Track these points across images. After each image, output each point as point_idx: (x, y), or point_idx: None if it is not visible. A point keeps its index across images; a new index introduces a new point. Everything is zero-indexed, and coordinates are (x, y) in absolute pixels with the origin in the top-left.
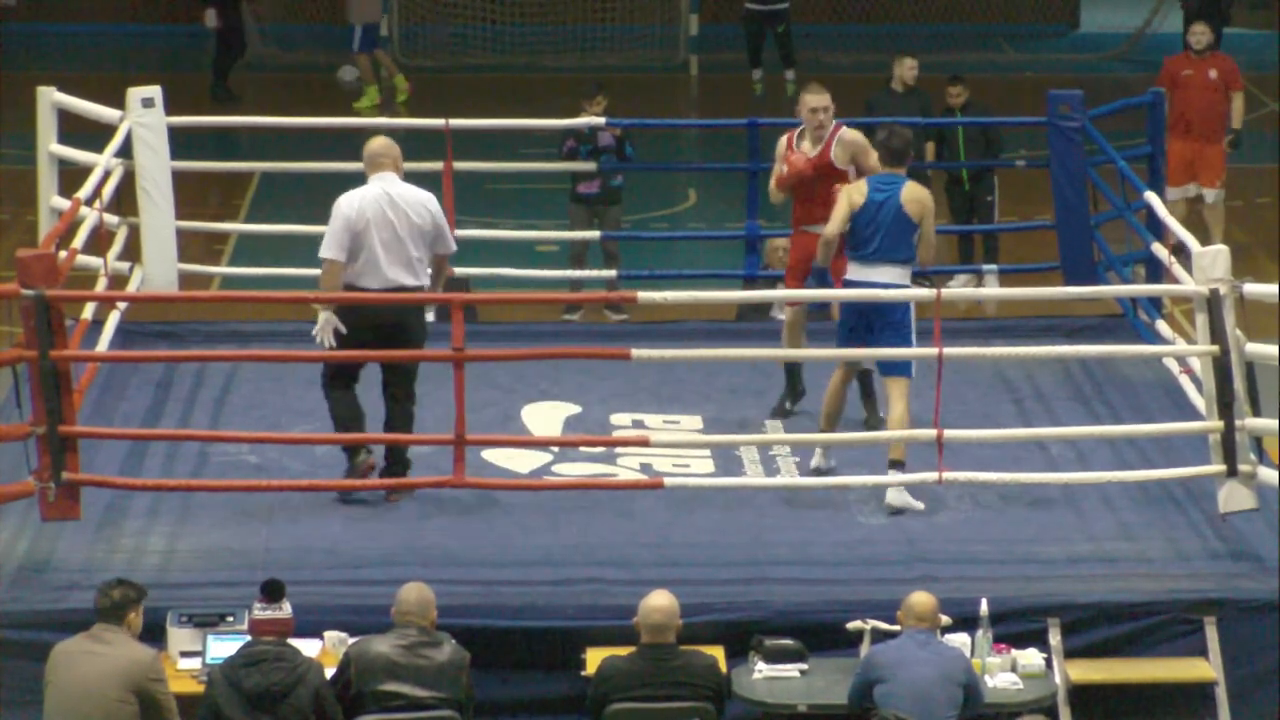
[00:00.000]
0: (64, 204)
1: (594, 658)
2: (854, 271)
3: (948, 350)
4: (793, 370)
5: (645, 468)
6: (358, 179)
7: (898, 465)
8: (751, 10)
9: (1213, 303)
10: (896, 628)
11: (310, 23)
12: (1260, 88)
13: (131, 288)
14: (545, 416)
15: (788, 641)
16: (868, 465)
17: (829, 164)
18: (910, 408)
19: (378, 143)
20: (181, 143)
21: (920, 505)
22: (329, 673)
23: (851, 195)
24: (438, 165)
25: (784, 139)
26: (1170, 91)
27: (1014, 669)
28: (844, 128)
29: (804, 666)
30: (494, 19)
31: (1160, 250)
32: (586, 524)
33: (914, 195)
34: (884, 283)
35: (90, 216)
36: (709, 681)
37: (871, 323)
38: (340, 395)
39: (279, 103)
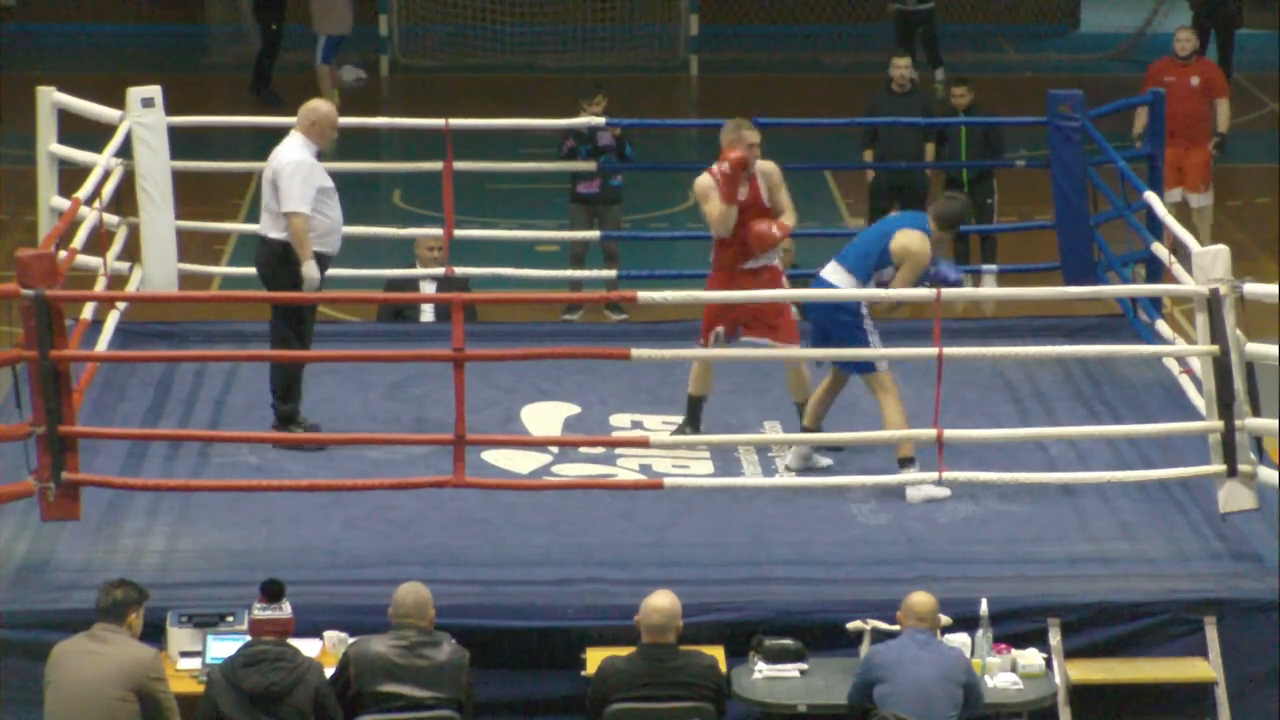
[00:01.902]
0: (64, 204)
1: (594, 658)
2: (824, 271)
3: (948, 350)
4: (697, 405)
5: (645, 468)
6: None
7: (909, 462)
8: (899, 10)
9: (1213, 303)
10: (896, 628)
11: (310, 23)
12: (1260, 88)
13: (131, 288)
14: (545, 417)
15: (788, 641)
16: (866, 465)
17: (760, 199)
18: (907, 404)
19: (303, 106)
20: (182, 143)
21: (946, 492)
22: (329, 673)
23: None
24: (438, 165)
25: (705, 177)
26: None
27: (1014, 669)
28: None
29: (804, 666)
30: (494, 19)
31: (1160, 250)
32: (586, 524)
33: (903, 242)
34: (834, 282)
35: (90, 216)
36: (709, 682)
37: (827, 326)
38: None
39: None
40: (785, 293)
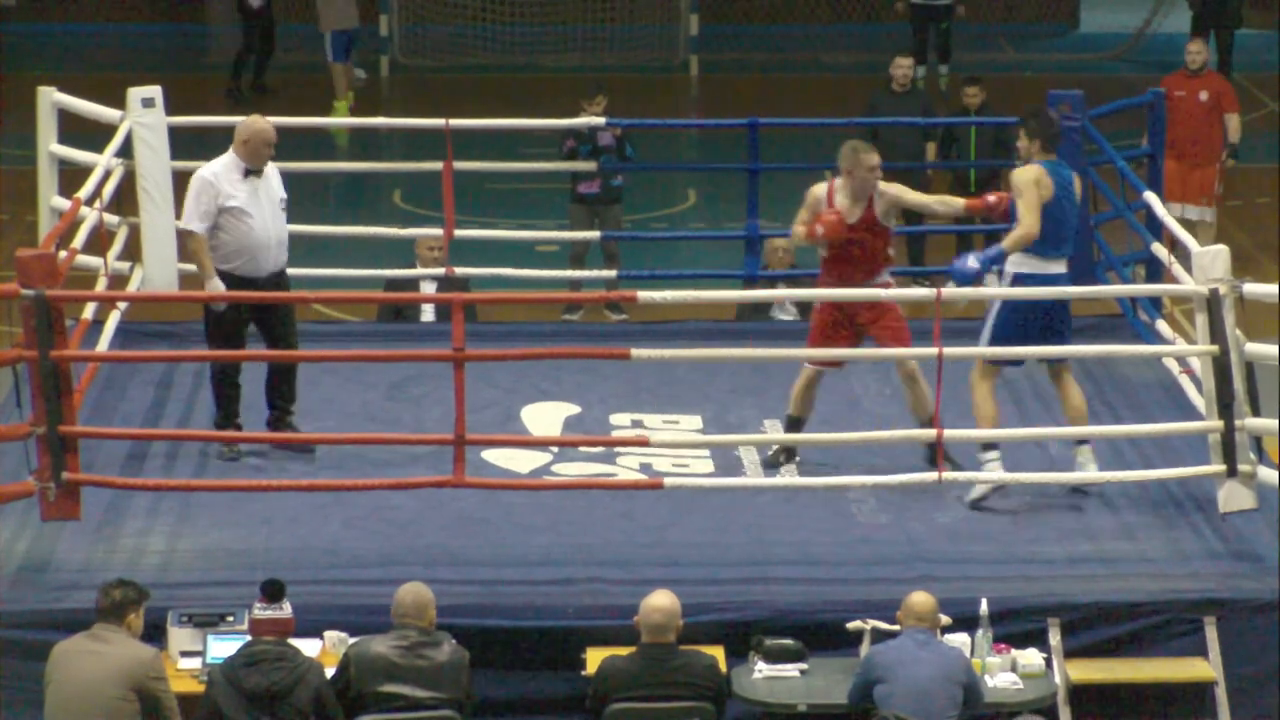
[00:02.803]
0: (64, 204)
1: (594, 658)
2: (1053, 268)
3: (948, 350)
4: (794, 427)
5: (645, 467)
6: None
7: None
8: (916, 5)
9: (1212, 303)
10: (896, 628)
11: (310, 23)
12: (1260, 88)
13: (131, 288)
14: (545, 416)
15: (788, 641)
16: (866, 465)
17: (876, 221)
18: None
19: (241, 122)
20: (182, 143)
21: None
22: (329, 673)
23: (1040, 188)
24: (438, 165)
25: (822, 189)
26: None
27: (1014, 669)
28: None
29: (804, 666)
30: (494, 19)
31: (1160, 250)
32: (586, 524)
33: (1078, 185)
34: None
35: (90, 216)
36: (709, 681)
37: (1049, 325)
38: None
39: (279, 102)
40: (793, 292)
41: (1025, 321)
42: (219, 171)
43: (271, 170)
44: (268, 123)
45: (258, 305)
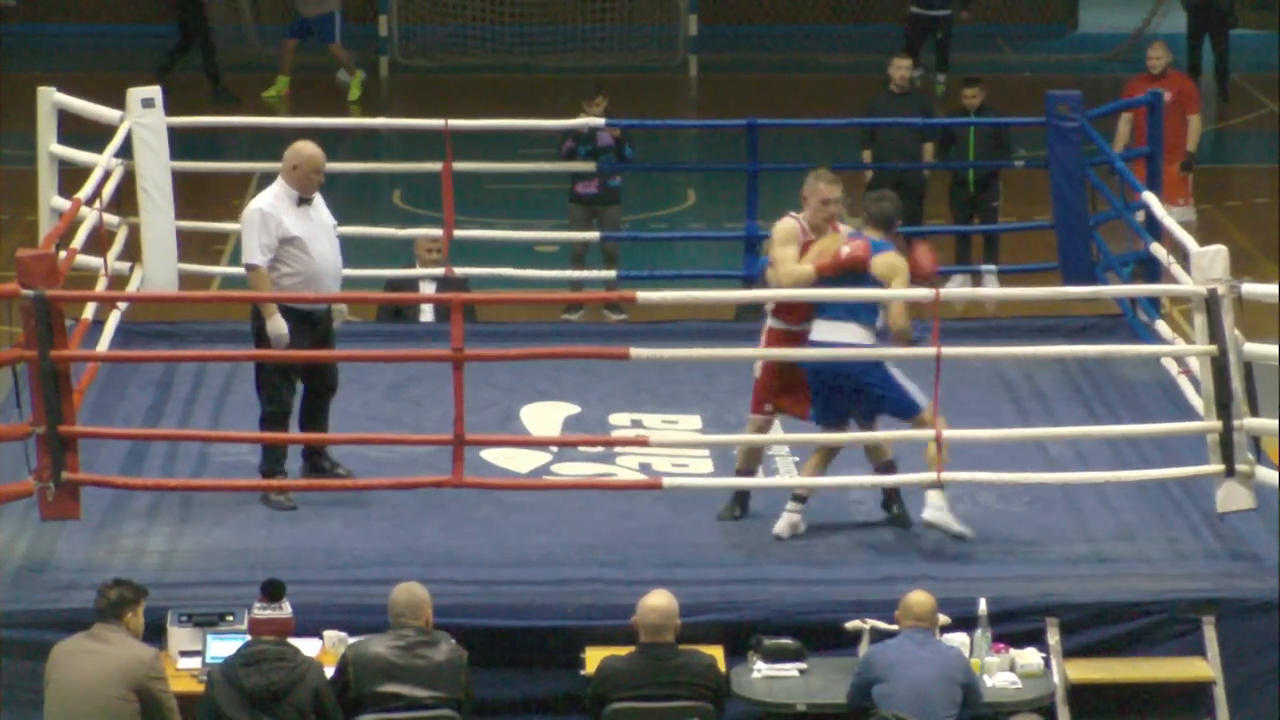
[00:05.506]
0: (64, 204)
1: (594, 658)
2: (820, 331)
3: (947, 350)
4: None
5: (644, 467)
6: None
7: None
8: (914, 14)
9: (1211, 303)
10: (895, 627)
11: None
12: (1260, 88)
13: (131, 288)
14: (545, 416)
15: (787, 641)
16: (866, 466)
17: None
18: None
19: (289, 149)
20: (182, 143)
21: (964, 530)
22: (329, 672)
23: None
24: (437, 165)
25: (794, 224)
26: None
27: (1013, 668)
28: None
29: (803, 666)
30: (493, 19)
31: (1159, 250)
32: (586, 524)
33: (886, 261)
34: (848, 342)
35: (90, 217)
36: (708, 681)
37: (845, 387)
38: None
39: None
40: (792, 292)
41: (823, 394)
42: (273, 202)
43: (318, 197)
44: (317, 148)
45: (311, 349)
